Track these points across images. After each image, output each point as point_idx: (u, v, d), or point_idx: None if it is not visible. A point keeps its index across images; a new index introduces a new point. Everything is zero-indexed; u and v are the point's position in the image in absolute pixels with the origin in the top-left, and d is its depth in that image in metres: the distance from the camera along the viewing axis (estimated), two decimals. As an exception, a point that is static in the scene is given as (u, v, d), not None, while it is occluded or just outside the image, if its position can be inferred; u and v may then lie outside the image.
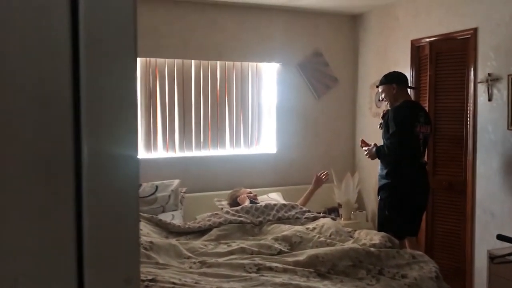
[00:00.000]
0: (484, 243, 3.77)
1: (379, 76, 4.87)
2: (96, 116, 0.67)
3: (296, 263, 2.96)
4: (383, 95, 3.78)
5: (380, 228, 3.61)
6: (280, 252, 3.20)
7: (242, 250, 3.23)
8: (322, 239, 3.33)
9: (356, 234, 3.41)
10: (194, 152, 4.63)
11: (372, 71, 5.05)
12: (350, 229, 3.58)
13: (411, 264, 2.98)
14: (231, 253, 3.21)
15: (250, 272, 2.87)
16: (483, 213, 3.80)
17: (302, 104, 5.06)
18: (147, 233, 3.39)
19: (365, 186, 5.17)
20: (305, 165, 4.98)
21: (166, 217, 4.01)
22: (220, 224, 3.64)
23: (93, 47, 0.66)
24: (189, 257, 3.13)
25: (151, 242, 3.13)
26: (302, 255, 3.03)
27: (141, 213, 3.67)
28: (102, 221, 0.68)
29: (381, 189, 3.64)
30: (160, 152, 4.50)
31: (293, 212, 3.85)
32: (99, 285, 0.68)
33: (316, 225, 3.61)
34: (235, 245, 3.32)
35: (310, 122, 5.11)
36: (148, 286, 2.54)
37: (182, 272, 2.86)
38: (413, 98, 4.36)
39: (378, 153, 3.62)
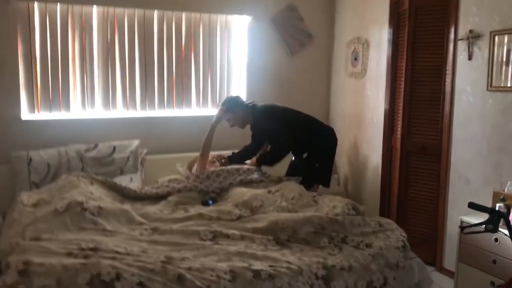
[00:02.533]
0: (457, 210, 3.60)
1: (356, 33, 4.61)
2: None
3: (255, 230, 2.75)
4: (231, 122, 3.91)
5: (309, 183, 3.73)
6: (240, 217, 2.99)
7: (200, 216, 3.01)
8: (283, 203, 3.12)
9: (320, 201, 3.21)
10: (157, 112, 4.35)
11: (349, 28, 4.76)
12: (314, 194, 3.37)
13: (377, 233, 2.80)
14: (188, 218, 2.99)
15: (204, 240, 2.66)
16: (458, 179, 3.62)
17: (274, 62, 4.77)
18: (99, 197, 3.14)
19: (338, 149, 4.94)
20: (277, 127, 4.73)
21: (123, 180, 3.76)
22: (179, 190, 3.40)
23: None
24: (141, 223, 2.90)
25: (99, 207, 2.89)
26: (262, 221, 2.83)
27: (94, 175, 3.41)
28: None
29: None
30: (120, 111, 4.21)
31: (255, 175, 3.63)
32: None
33: (280, 188, 3.40)
34: (193, 210, 3.10)
35: (283, 81, 4.83)
36: (87, 256, 2.31)
37: (130, 240, 2.63)
38: (389, 60, 4.17)
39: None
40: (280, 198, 3.23)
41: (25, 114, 3.88)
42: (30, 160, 3.65)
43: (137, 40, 4.18)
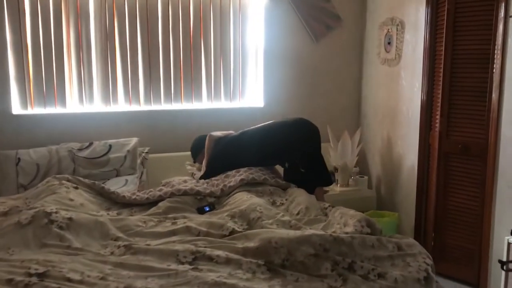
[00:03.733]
0: (505, 225, 2.97)
1: (390, 13, 3.99)
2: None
3: (245, 250, 2.29)
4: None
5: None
6: (232, 232, 2.53)
7: (187, 230, 2.58)
8: (286, 218, 2.63)
9: (330, 215, 2.69)
10: (163, 106, 3.94)
11: (382, 7, 4.14)
12: (327, 205, 2.85)
13: (394, 258, 2.25)
14: (172, 233, 2.57)
15: (183, 263, 2.23)
16: (507, 187, 2.98)
17: (296, 49, 4.24)
18: (80, 204, 2.79)
19: (370, 147, 4.38)
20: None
21: (118, 182, 3.39)
22: (172, 194, 2.99)
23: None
24: (116, 238, 2.51)
25: (69, 218, 2.52)
26: (255, 239, 2.36)
27: (80, 178, 3.06)
28: None
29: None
30: (121, 106, 3.83)
31: (260, 173, 3.14)
32: None
33: (285, 199, 2.91)
34: (180, 223, 2.67)
35: (305, 70, 4.29)
36: (28, 285, 1.93)
37: (94, 261, 2.24)
38: (426, 44, 3.54)
39: None
40: (283, 212, 2.74)
41: (17, 109, 3.58)
42: (19, 160, 3.34)
43: (139, 26, 3.77)
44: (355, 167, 4.15)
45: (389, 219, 3.73)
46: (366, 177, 4.16)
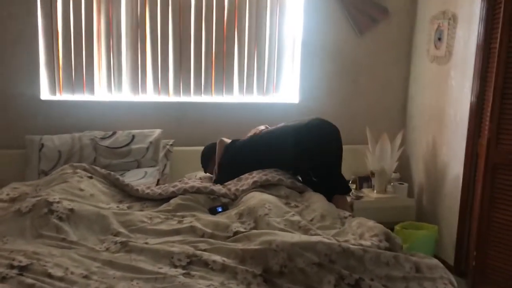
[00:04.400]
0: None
1: (442, 6, 3.63)
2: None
3: (245, 252, 2.09)
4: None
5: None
6: (236, 233, 2.34)
7: (191, 230, 2.42)
8: (296, 218, 2.40)
9: (347, 223, 2.43)
10: (193, 98, 3.80)
11: (434, 0, 3.77)
12: (347, 214, 2.58)
13: (409, 281, 1.97)
14: (176, 232, 2.42)
15: (176, 266, 2.07)
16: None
17: (337, 42, 3.96)
18: (90, 195, 2.69)
19: (414, 152, 4.02)
20: (337, 121, 3.92)
21: (137, 174, 3.29)
22: (185, 191, 2.83)
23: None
24: (116, 234, 2.39)
25: (71, 210, 2.43)
26: (256, 239, 2.16)
27: (96, 168, 2.97)
28: None
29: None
30: (150, 96, 3.73)
31: (274, 174, 2.90)
32: None
33: (300, 204, 2.67)
34: (187, 222, 2.51)
35: (347, 65, 4.00)
36: (5, 277, 1.84)
37: (85, 257, 2.13)
38: (480, 42, 3.17)
39: None
40: (297, 216, 2.51)
41: (46, 94, 3.57)
42: (42, 145, 3.32)
43: (171, 14, 3.64)
44: (395, 172, 3.83)
45: (428, 232, 3.38)
46: (406, 185, 3.82)
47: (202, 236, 2.38)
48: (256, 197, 2.61)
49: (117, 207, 2.72)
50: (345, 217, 2.55)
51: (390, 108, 4.13)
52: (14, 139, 3.47)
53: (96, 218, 2.45)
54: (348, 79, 4.02)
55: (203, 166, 3.43)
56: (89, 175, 2.92)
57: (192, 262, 2.08)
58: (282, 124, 3.14)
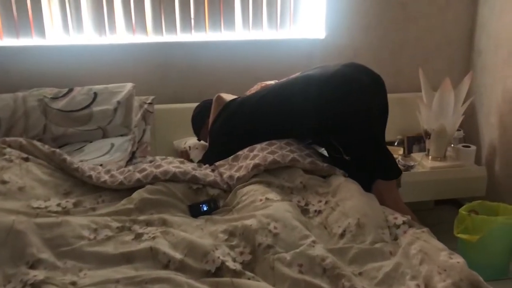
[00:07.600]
0: None
1: None
2: None
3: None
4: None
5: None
6: (220, 270, 1.44)
7: (150, 256, 1.54)
8: (317, 250, 1.45)
9: (402, 241, 1.48)
10: (180, 36, 2.81)
11: None
12: (400, 218, 1.62)
13: None
14: (127, 259, 1.54)
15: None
16: None
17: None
18: (20, 187, 1.88)
19: (484, 103, 2.97)
20: (377, 61, 2.89)
21: (99, 148, 2.39)
22: (155, 178, 1.94)
23: None
24: (34, 263, 1.52)
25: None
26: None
27: (36, 144, 2.11)
28: None
29: None
30: (122, 36, 2.77)
31: (286, 151, 1.94)
32: None
33: (325, 201, 1.73)
34: (147, 237, 1.63)
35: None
36: None
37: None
38: None
39: None
40: (318, 230, 1.58)
41: (-21, 40, 2.66)
42: (-27, 111, 2.44)
43: None
44: (458, 130, 2.82)
45: (507, 219, 2.40)
46: (474, 148, 2.80)
47: (167, 266, 1.49)
48: (257, 205, 1.69)
49: (58, 205, 1.87)
50: (398, 226, 1.60)
51: (449, 42, 3.06)
52: None
53: (5, 238, 1.58)
54: (391, 2, 2.95)
55: (195, 133, 2.55)
56: (25, 155, 2.06)
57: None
58: (296, 75, 2.16)
